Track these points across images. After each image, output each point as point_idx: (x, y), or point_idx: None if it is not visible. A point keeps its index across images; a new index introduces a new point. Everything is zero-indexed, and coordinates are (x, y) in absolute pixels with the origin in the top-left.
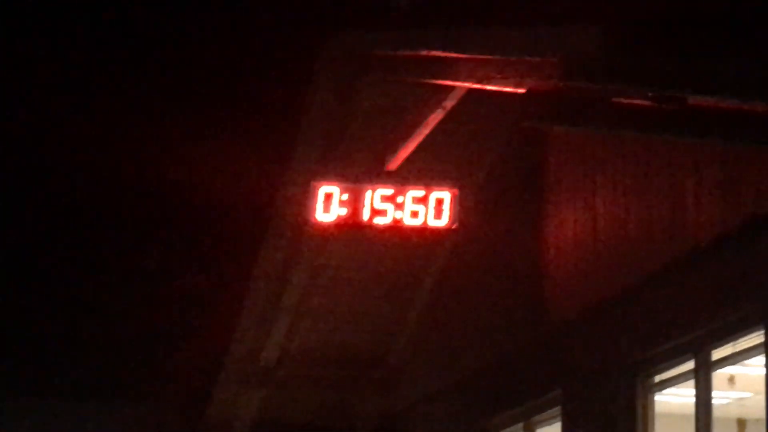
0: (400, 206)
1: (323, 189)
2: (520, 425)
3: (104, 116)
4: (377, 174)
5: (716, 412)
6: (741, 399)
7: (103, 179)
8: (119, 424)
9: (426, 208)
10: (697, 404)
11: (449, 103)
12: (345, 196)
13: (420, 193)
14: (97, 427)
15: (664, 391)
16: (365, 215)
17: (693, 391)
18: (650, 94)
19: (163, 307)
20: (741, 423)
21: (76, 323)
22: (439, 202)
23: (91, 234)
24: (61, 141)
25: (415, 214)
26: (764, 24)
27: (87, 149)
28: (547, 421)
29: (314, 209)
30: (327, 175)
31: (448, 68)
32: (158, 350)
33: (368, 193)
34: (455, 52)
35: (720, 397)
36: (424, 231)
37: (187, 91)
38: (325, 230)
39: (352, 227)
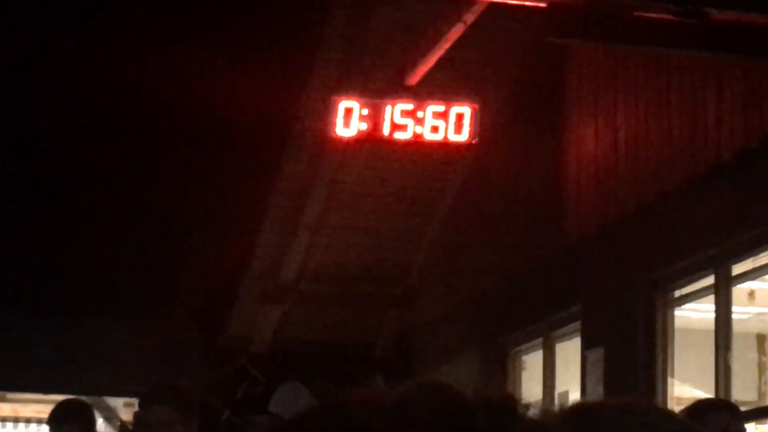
0: (420, 121)
1: (343, 103)
2: (540, 341)
3: (123, 30)
4: (397, 88)
5: (736, 327)
6: (761, 314)
7: (124, 93)
8: (138, 340)
9: (446, 123)
10: (717, 319)
11: (470, 18)
12: (365, 111)
13: (440, 107)
14: (116, 343)
15: (684, 306)
16: (385, 130)
17: (713, 307)
18: (672, 8)
19: (181, 223)
20: (761, 338)
21: (94, 240)
22: (459, 117)
23: (110, 148)
24: (79, 52)
25: (435, 129)
26: None
27: (105, 65)
28: (567, 336)
29: (334, 124)
30: (347, 90)
31: None
32: (177, 267)
33: (388, 108)
34: None
35: (740, 312)
36: (444, 146)
37: (207, 7)
38: (345, 145)
39: (372, 142)
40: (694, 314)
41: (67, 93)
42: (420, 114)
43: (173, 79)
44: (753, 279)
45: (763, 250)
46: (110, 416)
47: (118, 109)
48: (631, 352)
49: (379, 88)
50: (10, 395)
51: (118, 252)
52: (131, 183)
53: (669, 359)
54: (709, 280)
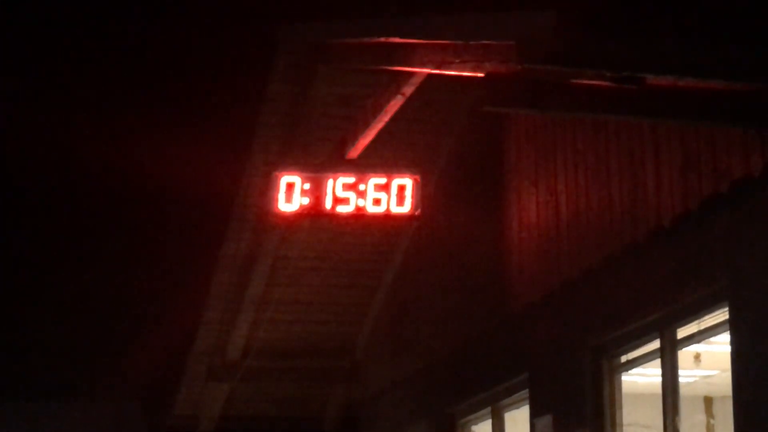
0: (362, 194)
1: (285, 179)
2: (488, 410)
3: (68, 108)
4: (338, 162)
5: (683, 391)
6: (707, 377)
7: (61, 171)
8: (83, 423)
9: (388, 196)
10: (664, 383)
11: (408, 90)
12: (307, 186)
13: (382, 180)
14: (63, 425)
15: (631, 371)
16: (328, 204)
17: (659, 371)
18: (608, 75)
19: (125, 302)
20: (708, 401)
21: (35, 320)
22: (401, 188)
23: (48, 228)
24: (18, 130)
25: (377, 202)
26: (719, 2)
27: (45, 140)
28: (515, 405)
29: (276, 199)
30: (288, 165)
31: (406, 55)
32: (121, 347)
33: (330, 182)
34: (412, 38)
35: (686, 375)
36: (386, 218)
37: (146, 83)
38: (287, 220)
39: (314, 216)
40: (641, 379)
41: (7, 170)
42: (362, 187)
43: (113, 160)
44: (698, 342)
45: (708, 313)
46: None
47: (60, 191)
48: (580, 419)
49: (321, 162)
50: None
51: (62, 333)
52: (74, 266)
53: (617, 424)
54: (655, 344)
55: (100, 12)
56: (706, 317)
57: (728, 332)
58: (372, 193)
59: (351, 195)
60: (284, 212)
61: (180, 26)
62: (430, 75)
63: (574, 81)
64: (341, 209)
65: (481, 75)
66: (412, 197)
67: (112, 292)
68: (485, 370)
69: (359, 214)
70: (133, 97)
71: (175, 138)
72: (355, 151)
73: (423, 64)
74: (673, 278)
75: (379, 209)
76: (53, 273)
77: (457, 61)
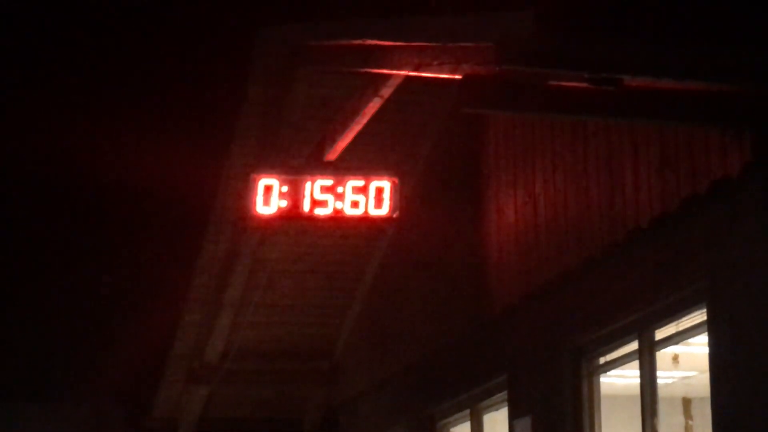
0: (340, 196)
1: (263, 181)
2: (467, 412)
3: (45, 112)
4: (316, 165)
5: (661, 392)
6: (686, 378)
7: (38, 174)
8: (62, 426)
9: (366, 198)
10: (642, 384)
11: (386, 92)
12: (285, 188)
13: (360, 182)
14: (42, 427)
15: (609, 373)
16: (306, 206)
17: (638, 372)
18: (586, 77)
19: (103, 304)
20: (686, 402)
21: (12, 322)
22: (379, 191)
23: (26, 230)
24: None
25: (355, 204)
26: (696, 3)
27: (21, 143)
28: (494, 407)
29: (254, 202)
30: (266, 168)
31: (384, 57)
32: (100, 349)
33: (308, 185)
34: (390, 40)
35: (665, 376)
36: (364, 221)
37: (124, 86)
38: (265, 223)
39: (292, 219)
40: (620, 380)
41: None
42: (340, 189)
43: (91, 163)
44: (676, 343)
45: (686, 314)
46: None
47: (38, 194)
48: (559, 420)
49: (299, 164)
50: None
51: (41, 335)
52: (53, 268)
53: (596, 426)
54: (633, 346)
55: (79, 16)
56: (685, 318)
57: (706, 333)
58: (350, 196)
59: (329, 197)
60: (262, 215)
61: (159, 29)
62: (408, 77)
63: (552, 82)
64: (319, 212)
65: (458, 77)
66: (391, 199)
67: (90, 294)
68: (464, 371)
69: (337, 217)
70: (112, 100)
71: (153, 141)
72: (333, 154)
73: (401, 66)
74: (652, 279)
75: (357, 212)
76: (31, 275)
77: (434, 63)
